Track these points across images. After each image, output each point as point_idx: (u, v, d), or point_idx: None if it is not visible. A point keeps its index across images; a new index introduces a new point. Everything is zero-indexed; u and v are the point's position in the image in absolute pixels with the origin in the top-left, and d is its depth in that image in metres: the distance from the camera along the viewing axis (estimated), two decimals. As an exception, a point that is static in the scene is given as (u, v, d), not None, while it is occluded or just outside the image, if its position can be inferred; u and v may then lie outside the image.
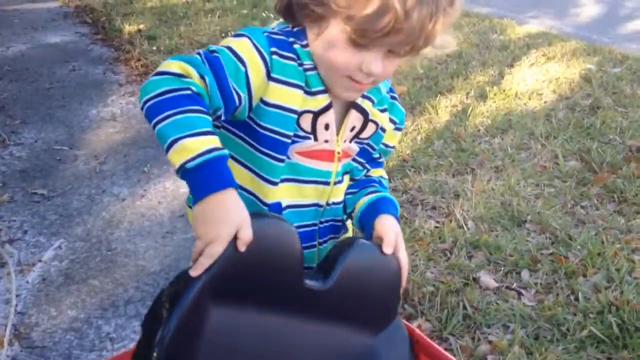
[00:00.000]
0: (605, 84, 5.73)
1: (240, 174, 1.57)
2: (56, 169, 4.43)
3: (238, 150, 1.56)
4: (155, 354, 1.23)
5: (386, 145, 1.77)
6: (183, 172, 1.31)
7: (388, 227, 1.56)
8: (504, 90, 5.63)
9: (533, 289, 3.14)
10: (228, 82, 1.42)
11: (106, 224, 3.77)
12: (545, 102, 5.44)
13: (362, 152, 1.71)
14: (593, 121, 4.96)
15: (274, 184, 1.57)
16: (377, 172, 1.82)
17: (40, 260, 3.42)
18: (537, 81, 5.85)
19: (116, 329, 3.01)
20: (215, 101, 1.41)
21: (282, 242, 1.36)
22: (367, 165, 1.77)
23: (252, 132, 1.53)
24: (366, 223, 1.63)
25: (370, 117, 1.64)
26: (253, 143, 1.54)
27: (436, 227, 3.65)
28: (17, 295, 3.16)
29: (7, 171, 4.37)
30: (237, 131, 1.56)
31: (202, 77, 1.40)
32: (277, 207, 1.59)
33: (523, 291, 3.13)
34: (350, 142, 1.65)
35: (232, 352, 1.34)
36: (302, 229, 1.60)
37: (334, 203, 1.68)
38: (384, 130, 1.70)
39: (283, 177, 1.58)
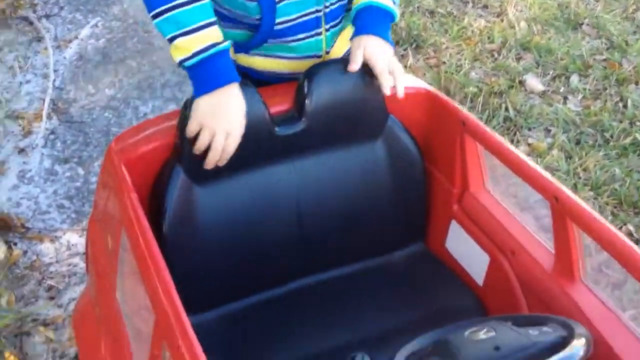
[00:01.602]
0: None
1: None
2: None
3: None
4: None
5: None
6: (183, 67, 1.31)
7: (356, 47, 1.42)
8: None
9: (580, 94, 3.02)
10: None
11: (143, 5, 3.65)
12: None
13: None
14: None
15: None
16: None
17: (77, 37, 3.36)
18: None
19: (153, 110, 3.01)
20: None
21: (247, 105, 1.33)
22: None
23: None
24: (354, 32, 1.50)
25: None
26: None
27: (486, 26, 3.48)
28: (54, 71, 3.14)
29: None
30: None
31: None
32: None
33: (570, 96, 3.02)
34: None
35: (230, 218, 1.39)
36: (302, 19, 1.46)
37: None
38: None
39: None
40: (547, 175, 1.27)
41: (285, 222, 1.43)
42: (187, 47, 1.29)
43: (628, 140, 2.71)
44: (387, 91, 1.39)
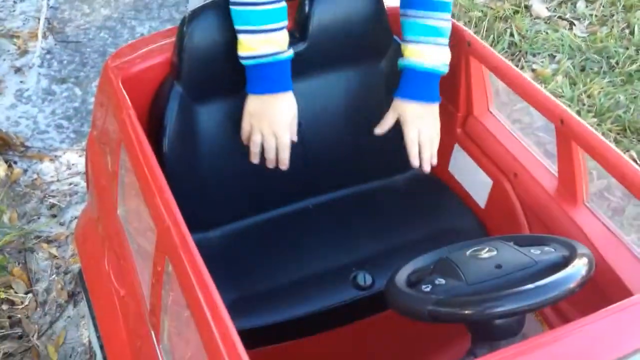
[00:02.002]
0: None
1: None
2: None
3: None
4: None
5: None
6: (243, 60, 1.30)
7: (391, 110, 1.40)
8: None
9: (587, 20, 2.97)
10: None
11: None
12: None
13: None
14: None
15: None
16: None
17: (71, -45, 3.27)
18: None
19: (150, 31, 2.96)
20: None
21: None
22: None
23: None
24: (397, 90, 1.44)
25: None
26: None
27: (492, -52, 3.38)
28: (49, -11, 3.07)
29: None
30: None
31: None
32: None
33: (576, 22, 2.97)
34: None
35: (231, 137, 1.37)
36: None
37: None
38: None
39: None
40: (552, 98, 1.25)
41: None
42: (250, 46, 1.28)
43: (634, 67, 2.68)
44: (413, 164, 1.39)
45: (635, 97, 2.55)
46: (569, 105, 2.51)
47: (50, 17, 2.94)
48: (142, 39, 1.55)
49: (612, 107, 2.50)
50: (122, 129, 1.23)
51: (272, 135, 1.32)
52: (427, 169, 1.40)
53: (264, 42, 1.28)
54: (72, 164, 2.41)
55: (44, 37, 2.85)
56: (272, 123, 1.31)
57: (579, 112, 2.49)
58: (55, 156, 2.44)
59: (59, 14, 2.97)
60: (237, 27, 1.29)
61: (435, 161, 1.40)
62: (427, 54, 1.37)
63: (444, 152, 1.48)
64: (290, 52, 1.30)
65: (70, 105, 2.63)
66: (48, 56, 2.82)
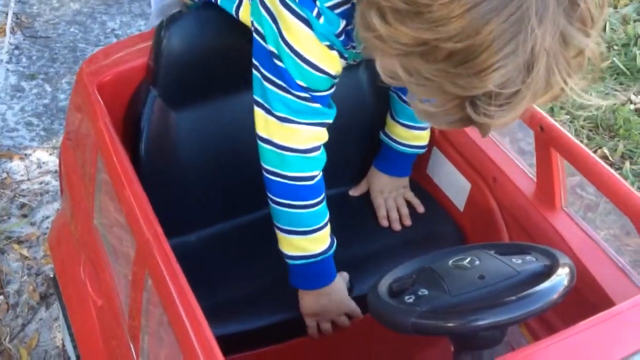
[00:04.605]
0: None
1: None
2: None
3: None
4: None
5: None
6: (289, 259, 1.27)
7: (366, 178, 1.49)
8: None
9: (559, 16, 2.99)
10: None
11: None
12: None
13: None
14: None
15: None
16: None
17: (38, -53, 3.20)
18: None
19: (121, 26, 2.92)
20: None
21: (226, 34, 1.28)
22: None
23: None
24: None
25: None
26: None
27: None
28: (16, -17, 3.01)
29: None
30: None
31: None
32: None
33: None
34: None
35: (208, 143, 1.36)
36: None
37: None
38: None
39: None
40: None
41: None
42: (296, 246, 1.24)
43: (605, 64, 2.70)
44: (382, 224, 1.44)
45: (606, 94, 2.58)
46: (542, 103, 2.53)
47: (18, 12, 2.88)
48: (116, 43, 1.53)
49: (584, 104, 2.53)
50: (99, 137, 1.20)
51: (341, 316, 1.29)
52: (396, 228, 1.44)
53: (313, 242, 1.24)
54: (43, 163, 2.37)
55: (12, 32, 2.79)
56: (340, 308, 1.29)
57: (551, 109, 2.51)
58: (25, 154, 2.39)
59: (28, 8, 2.91)
60: (280, 226, 1.24)
61: (407, 222, 1.45)
62: (412, 137, 1.42)
63: (422, 155, 1.48)
64: (334, 246, 1.27)
65: (40, 102, 2.58)
66: (16, 52, 2.76)
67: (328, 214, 1.26)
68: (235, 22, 1.27)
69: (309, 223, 1.23)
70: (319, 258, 1.25)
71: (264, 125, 1.16)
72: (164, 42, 1.26)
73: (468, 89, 0.83)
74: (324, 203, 1.25)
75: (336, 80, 1.16)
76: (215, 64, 1.29)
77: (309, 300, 1.28)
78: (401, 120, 1.41)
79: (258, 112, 1.17)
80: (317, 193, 1.23)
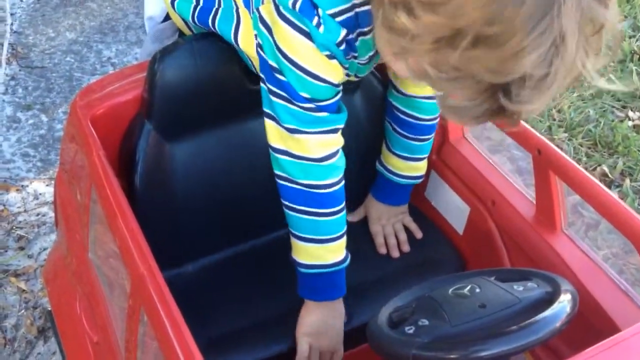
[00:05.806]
0: None
1: None
2: None
3: None
4: None
5: None
6: (302, 268, 1.23)
7: (363, 205, 1.48)
8: None
9: (554, 34, 2.99)
10: None
11: None
12: None
13: None
14: None
15: None
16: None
17: (33, -22, 3.22)
18: None
19: (117, 55, 2.92)
20: None
21: (220, 65, 1.28)
22: None
23: None
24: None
25: None
26: None
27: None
28: (11, 14, 3.01)
29: None
30: None
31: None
32: None
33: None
34: None
35: (203, 174, 1.35)
36: None
37: None
38: None
39: None
40: (529, 127, 1.25)
41: (260, 176, 1.39)
42: (311, 254, 1.21)
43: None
44: (380, 252, 1.43)
45: (604, 111, 2.58)
46: (540, 121, 2.52)
47: (14, 42, 2.88)
48: (110, 74, 1.51)
49: (582, 122, 2.52)
50: (93, 171, 1.19)
51: (329, 353, 1.26)
52: (394, 255, 1.42)
53: (330, 252, 1.21)
54: (40, 194, 2.36)
55: (8, 62, 2.79)
56: (332, 338, 1.26)
57: (549, 128, 2.51)
58: (22, 186, 2.38)
59: (23, 38, 2.91)
60: (297, 234, 1.21)
61: (406, 248, 1.43)
62: (408, 168, 1.40)
63: (420, 179, 1.47)
64: (348, 258, 1.25)
65: (37, 132, 2.58)
66: (12, 82, 2.76)
67: (346, 225, 1.23)
68: (230, 52, 1.27)
69: (325, 231, 1.20)
70: (333, 269, 1.22)
71: (278, 136, 1.15)
72: (158, 75, 1.25)
73: (504, 75, 0.80)
74: (344, 213, 1.22)
75: (340, 88, 1.15)
76: (210, 95, 1.29)
77: (312, 315, 1.25)
78: (397, 152, 1.40)
79: (269, 123, 1.15)
80: (336, 201, 1.20)
